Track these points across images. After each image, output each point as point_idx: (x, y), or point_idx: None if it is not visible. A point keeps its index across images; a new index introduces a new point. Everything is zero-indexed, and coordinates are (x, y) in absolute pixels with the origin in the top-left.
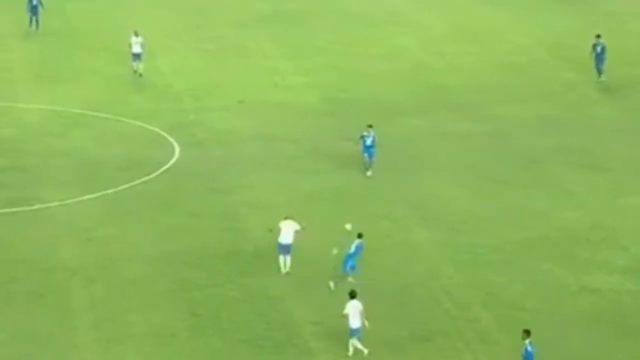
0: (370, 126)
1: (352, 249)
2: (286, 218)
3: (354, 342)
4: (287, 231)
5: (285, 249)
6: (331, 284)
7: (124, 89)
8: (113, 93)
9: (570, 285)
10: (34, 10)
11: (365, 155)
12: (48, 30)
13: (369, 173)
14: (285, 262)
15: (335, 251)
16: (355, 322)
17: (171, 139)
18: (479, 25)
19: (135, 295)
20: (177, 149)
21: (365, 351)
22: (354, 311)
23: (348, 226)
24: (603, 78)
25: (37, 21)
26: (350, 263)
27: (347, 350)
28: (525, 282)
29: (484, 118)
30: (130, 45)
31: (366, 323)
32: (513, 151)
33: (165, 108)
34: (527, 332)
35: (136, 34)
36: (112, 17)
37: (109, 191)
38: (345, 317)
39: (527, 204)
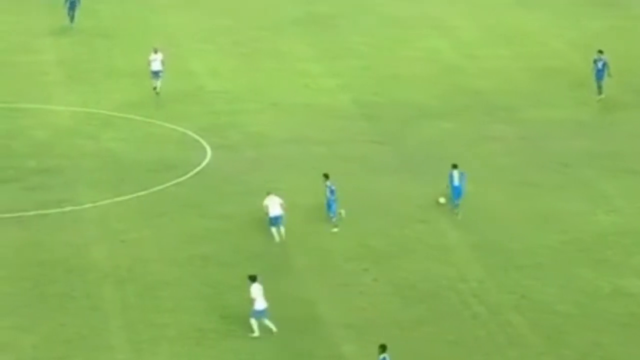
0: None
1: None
2: (268, 193)
3: (266, 323)
4: (274, 205)
5: (277, 220)
6: (342, 212)
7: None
8: (145, 95)
9: (603, 289)
10: (72, 6)
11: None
12: (80, 32)
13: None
14: (279, 232)
15: (343, 213)
16: (261, 304)
17: (203, 141)
18: (512, 28)
19: (166, 297)
20: (209, 151)
21: (274, 329)
22: (259, 293)
23: (441, 200)
24: (602, 96)
25: (73, 16)
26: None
27: (252, 331)
28: (557, 286)
29: (516, 121)
30: (149, 63)
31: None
32: (546, 155)
33: (197, 110)
34: (383, 347)
35: (155, 51)
36: (144, 18)
37: (141, 193)
38: (252, 301)
39: (559, 207)
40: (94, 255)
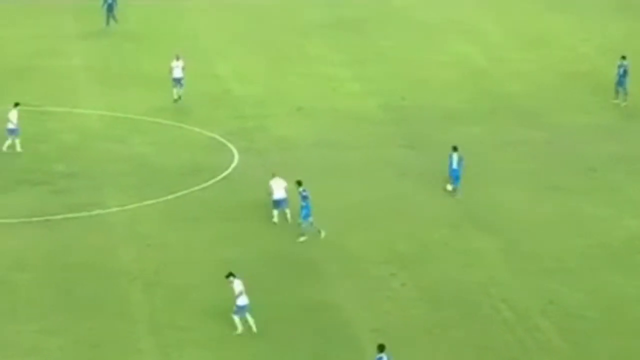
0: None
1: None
2: (274, 175)
3: (249, 320)
4: (279, 187)
5: (282, 203)
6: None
7: (184, 95)
8: (173, 99)
9: (632, 294)
10: (109, 8)
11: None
12: (109, 36)
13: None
14: (285, 214)
15: (322, 234)
16: (243, 300)
17: (230, 145)
18: (539, 32)
19: (193, 301)
20: (236, 155)
21: (255, 328)
22: (241, 289)
23: (449, 187)
24: (620, 101)
25: (113, 17)
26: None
27: (236, 329)
28: (586, 291)
29: (543, 125)
30: (170, 70)
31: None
32: (573, 159)
33: (224, 114)
34: (381, 347)
35: (177, 58)
36: (172, 22)
37: (168, 197)
38: (236, 297)
39: (587, 211)
40: (121, 259)
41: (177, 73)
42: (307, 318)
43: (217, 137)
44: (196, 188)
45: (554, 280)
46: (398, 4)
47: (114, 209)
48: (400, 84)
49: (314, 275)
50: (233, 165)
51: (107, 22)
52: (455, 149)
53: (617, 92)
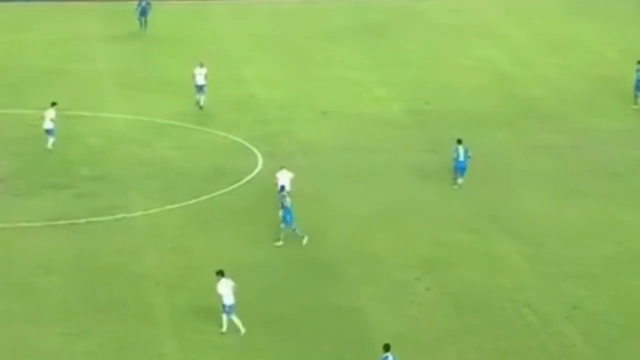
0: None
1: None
2: (282, 168)
3: (233, 319)
4: (285, 179)
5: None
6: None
7: (209, 99)
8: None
9: None
10: (143, 12)
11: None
12: (134, 40)
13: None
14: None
15: (305, 240)
16: (228, 299)
17: (255, 150)
18: (565, 36)
19: (216, 306)
20: (261, 160)
21: (242, 330)
22: (226, 289)
23: (460, 181)
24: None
25: (145, 22)
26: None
27: (221, 327)
28: (610, 296)
29: (569, 130)
30: (193, 77)
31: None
32: (598, 163)
33: (249, 118)
34: (386, 346)
35: (201, 65)
36: (197, 27)
37: (192, 201)
38: (220, 297)
39: (612, 216)
40: (145, 263)
41: (200, 80)
42: (330, 322)
43: (242, 141)
44: (220, 192)
45: (578, 285)
46: (422, 8)
47: (138, 213)
48: (425, 88)
49: (338, 279)
50: (257, 169)
51: (141, 26)
52: (459, 141)
53: (635, 96)
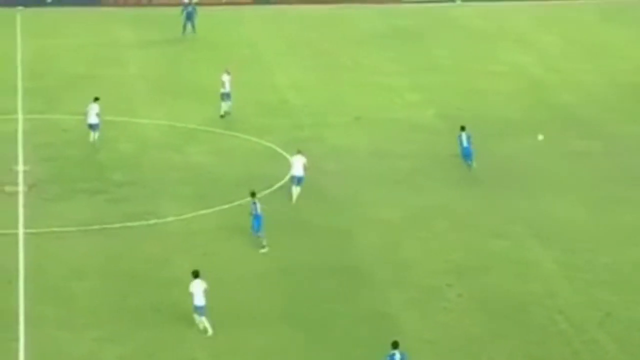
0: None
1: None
2: (298, 152)
3: (202, 320)
4: (298, 165)
5: (297, 180)
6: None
7: (240, 104)
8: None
9: None
10: (189, 15)
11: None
12: (167, 45)
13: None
14: (295, 192)
15: (265, 250)
16: (199, 300)
17: (286, 155)
18: (597, 42)
19: (248, 311)
20: None
21: (210, 331)
22: (198, 289)
23: (540, 137)
24: None
25: (193, 26)
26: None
27: (206, 332)
28: None
29: (601, 136)
30: (223, 84)
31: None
32: (630, 170)
33: (280, 124)
34: (395, 344)
35: (227, 72)
36: (230, 32)
37: (225, 206)
38: (191, 296)
39: None
40: (176, 268)
41: (227, 87)
42: (361, 327)
43: (274, 146)
44: None
45: (611, 292)
46: (453, 13)
47: (170, 218)
48: (456, 93)
49: (368, 284)
50: (289, 175)
51: (184, 31)
52: (463, 128)
53: None
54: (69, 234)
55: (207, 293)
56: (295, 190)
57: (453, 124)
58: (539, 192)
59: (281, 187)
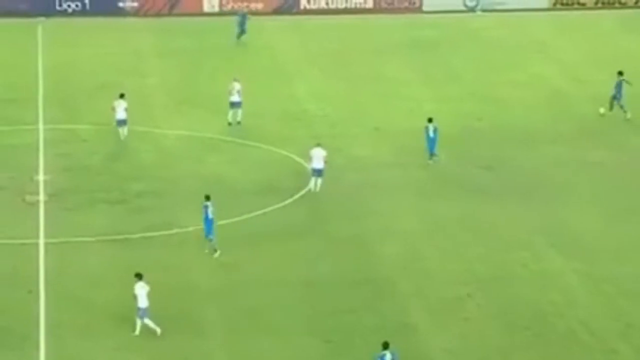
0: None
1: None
2: (318, 145)
3: (146, 322)
4: (318, 158)
5: (318, 172)
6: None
7: (260, 114)
8: (250, 118)
9: None
10: (242, 21)
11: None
12: (185, 55)
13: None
14: (316, 183)
15: (217, 255)
16: (142, 302)
17: (306, 165)
18: (618, 53)
19: (268, 321)
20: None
21: (158, 330)
22: (142, 291)
23: (601, 110)
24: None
25: (244, 30)
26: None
27: (134, 330)
28: None
29: (622, 147)
30: (230, 93)
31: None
32: None
33: (300, 134)
34: (385, 344)
35: (237, 80)
36: (251, 40)
37: (244, 217)
38: (135, 298)
39: None
40: (196, 278)
41: (236, 97)
42: (382, 338)
43: (293, 156)
44: (271, 208)
45: (632, 302)
46: (474, 23)
47: (191, 228)
48: (477, 104)
49: (389, 294)
50: (309, 185)
51: (239, 37)
52: (430, 120)
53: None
54: (89, 243)
55: (149, 294)
56: (317, 180)
57: (474, 134)
58: (559, 203)
59: (302, 198)
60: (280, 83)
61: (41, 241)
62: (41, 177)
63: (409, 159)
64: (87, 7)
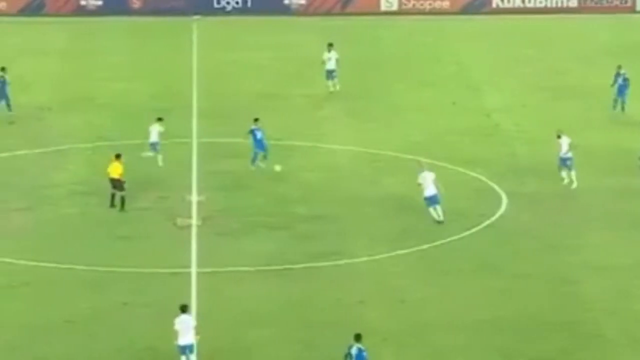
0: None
1: None
2: (423, 169)
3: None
4: (429, 183)
5: (433, 200)
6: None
7: (444, 129)
8: (433, 135)
9: None
10: None
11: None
12: (357, 60)
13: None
14: (437, 212)
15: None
16: (183, 339)
17: (498, 188)
18: None
19: None
20: (505, 200)
21: None
22: (182, 326)
23: (277, 167)
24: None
25: None
26: None
27: None
28: None
29: None
30: (323, 62)
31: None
32: None
33: (492, 152)
34: (357, 336)
35: (329, 49)
36: (432, 47)
37: (425, 246)
38: (175, 333)
39: None
40: (370, 316)
41: (331, 65)
42: None
43: (483, 178)
44: (456, 237)
45: None
46: None
47: (363, 259)
48: None
49: (599, 339)
50: (500, 211)
51: None
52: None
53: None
54: (246, 274)
55: (197, 331)
56: (437, 209)
57: None
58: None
59: (490, 226)
60: (467, 93)
61: (193, 271)
62: (194, 198)
63: (620, 183)
64: (249, 4)
